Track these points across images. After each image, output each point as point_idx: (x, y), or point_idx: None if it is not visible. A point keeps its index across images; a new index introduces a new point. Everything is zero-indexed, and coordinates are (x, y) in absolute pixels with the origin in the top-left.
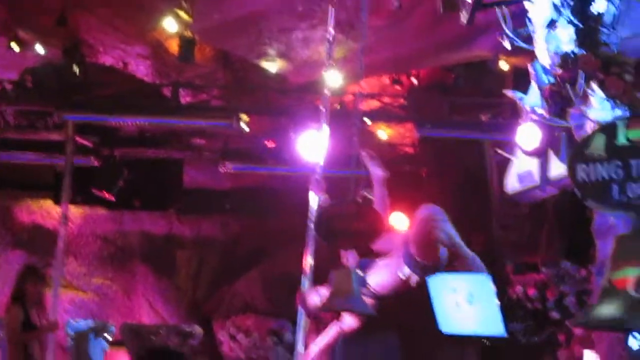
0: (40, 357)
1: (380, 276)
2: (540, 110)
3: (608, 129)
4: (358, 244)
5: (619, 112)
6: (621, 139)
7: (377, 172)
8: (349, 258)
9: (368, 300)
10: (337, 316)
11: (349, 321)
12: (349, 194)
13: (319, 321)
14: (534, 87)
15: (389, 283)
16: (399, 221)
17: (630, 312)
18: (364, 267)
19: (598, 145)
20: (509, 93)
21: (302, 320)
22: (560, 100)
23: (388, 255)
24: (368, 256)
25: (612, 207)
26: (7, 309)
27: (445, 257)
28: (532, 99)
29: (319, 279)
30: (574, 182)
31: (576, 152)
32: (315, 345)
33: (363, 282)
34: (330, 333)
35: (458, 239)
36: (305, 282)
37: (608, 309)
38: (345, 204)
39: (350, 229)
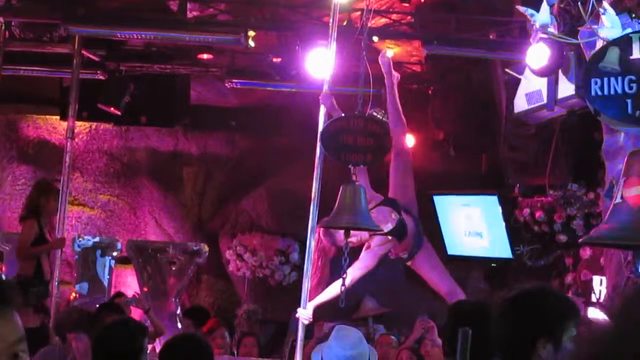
0: (48, 273)
1: None
2: (550, 29)
3: (622, 43)
4: (366, 160)
5: (629, 30)
6: (636, 53)
7: (394, 73)
8: (358, 174)
9: None
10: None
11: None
12: (356, 110)
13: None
14: (544, 4)
15: None
16: (407, 140)
17: None
18: None
19: (612, 59)
20: (521, 9)
21: (311, 242)
22: (570, 19)
23: None
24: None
25: (626, 122)
26: (23, 223)
27: None
28: (542, 16)
29: (326, 199)
30: (587, 96)
31: (590, 66)
32: (355, 270)
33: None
34: (367, 259)
35: None
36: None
37: (618, 226)
38: (352, 119)
39: (358, 144)
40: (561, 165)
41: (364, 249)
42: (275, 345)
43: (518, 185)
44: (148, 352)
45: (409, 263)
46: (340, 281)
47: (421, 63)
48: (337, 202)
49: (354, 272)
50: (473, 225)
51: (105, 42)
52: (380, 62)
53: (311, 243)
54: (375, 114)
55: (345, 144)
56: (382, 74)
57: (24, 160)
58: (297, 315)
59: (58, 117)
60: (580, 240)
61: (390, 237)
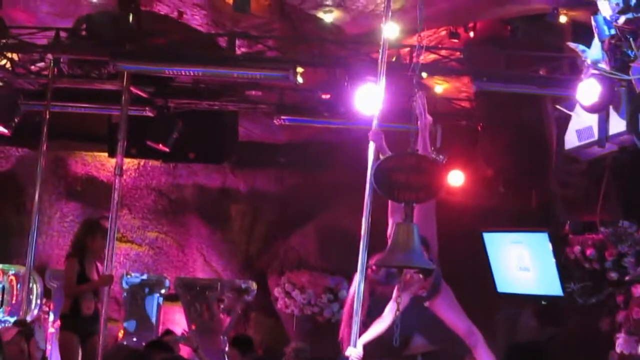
0: (89, 309)
1: None
2: (602, 65)
3: None
4: (419, 198)
5: None
6: None
7: (427, 116)
8: (398, 209)
9: None
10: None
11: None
12: (407, 148)
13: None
14: (595, 40)
15: None
16: (456, 178)
17: None
18: None
19: None
20: (572, 45)
21: (361, 281)
22: (621, 55)
23: None
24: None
25: None
26: (66, 261)
27: None
28: (594, 52)
29: (375, 236)
30: (634, 133)
31: (637, 102)
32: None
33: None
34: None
35: None
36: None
37: None
38: (405, 156)
39: (411, 182)
40: (612, 202)
41: (397, 288)
42: None
43: (569, 222)
44: None
45: (427, 303)
46: (386, 318)
47: (470, 99)
48: (390, 240)
49: (393, 313)
50: (523, 262)
51: (153, 79)
52: (414, 104)
53: (361, 281)
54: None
55: (397, 182)
56: (432, 110)
57: (72, 197)
58: (346, 353)
59: (106, 154)
60: (627, 278)
61: (422, 276)
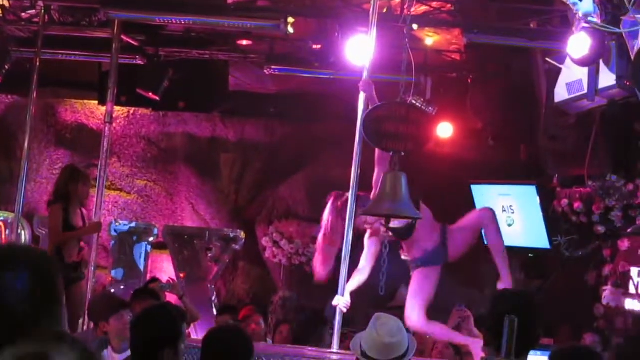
0: (80, 259)
1: None
2: (593, 18)
3: None
4: (407, 147)
5: None
6: None
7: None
8: (383, 162)
9: None
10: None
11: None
12: (397, 98)
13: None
14: None
15: None
16: (445, 130)
17: None
18: None
19: None
20: None
21: (350, 231)
22: (612, 8)
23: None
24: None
25: None
26: (49, 209)
27: None
28: (585, 5)
29: (364, 187)
30: (636, 84)
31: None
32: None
33: None
34: (372, 245)
35: None
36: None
37: None
38: (395, 106)
39: (399, 132)
40: (601, 155)
41: (367, 236)
42: (311, 333)
43: (557, 175)
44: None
45: (412, 272)
46: (365, 269)
47: (461, 52)
48: (378, 190)
49: (371, 261)
50: (511, 215)
51: (144, 27)
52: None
53: (349, 230)
54: (414, 102)
55: (386, 131)
56: (423, 62)
57: (62, 144)
58: (334, 302)
59: (96, 102)
60: (629, 230)
61: (389, 232)
